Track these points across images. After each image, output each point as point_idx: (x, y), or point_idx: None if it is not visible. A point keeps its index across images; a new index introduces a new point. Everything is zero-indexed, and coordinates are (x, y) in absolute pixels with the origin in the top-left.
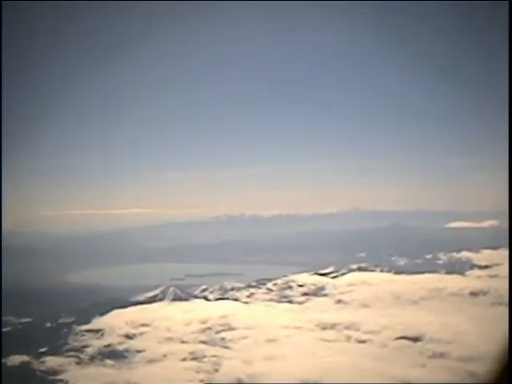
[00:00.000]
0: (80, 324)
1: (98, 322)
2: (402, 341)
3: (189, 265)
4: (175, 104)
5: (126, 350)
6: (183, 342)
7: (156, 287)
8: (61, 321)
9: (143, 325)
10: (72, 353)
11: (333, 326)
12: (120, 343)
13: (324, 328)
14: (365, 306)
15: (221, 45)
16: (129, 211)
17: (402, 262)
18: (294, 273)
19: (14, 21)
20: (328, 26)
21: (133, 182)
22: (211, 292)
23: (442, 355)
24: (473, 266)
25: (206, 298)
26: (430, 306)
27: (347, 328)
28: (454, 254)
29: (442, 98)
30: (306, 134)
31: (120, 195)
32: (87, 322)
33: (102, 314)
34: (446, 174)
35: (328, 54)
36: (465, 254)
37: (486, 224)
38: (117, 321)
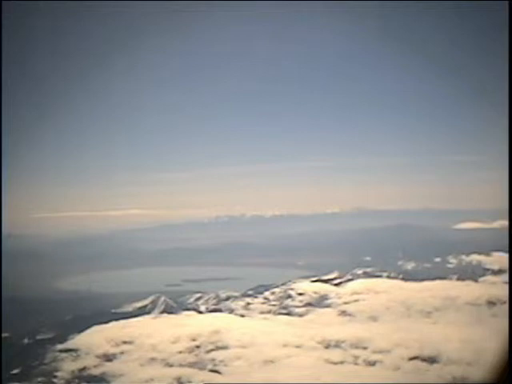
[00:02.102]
0: (58, 341)
1: (76, 340)
2: (417, 362)
3: (187, 268)
4: (175, 104)
5: (104, 373)
6: (168, 364)
7: (147, 296)
8: (39, 337)
9: (125, 342)
10: (41, 378)
11: (338, 344)
12: (97, 366)
13: (328, 346)
14: (372, 318)
15: (221, 45)
16: (126, 212)
17: (409, 265)
18: (296, 277)
19: (14, 21)
20: (328, 26)
21: (131, 182)
22: (206, 300)
23: (464, 381)
24: (485, 271)
25: (197, 310)
26: (444, 317)
27: (354, 346)
28: (464, 257)
29: (442, 96)
30: (307, 132)
31: (117, 196)
32: (66, 338)
33: (85, 328)
34: (450, 172)
35: (329, 54)
36: (475, 257)
37: (497, 224)
38: (97, 338)
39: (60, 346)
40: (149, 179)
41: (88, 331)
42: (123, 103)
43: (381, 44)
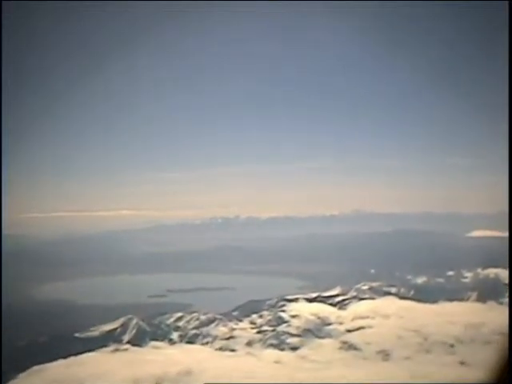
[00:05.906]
0: None
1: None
2: None
3: (175, 275)
4: (173, 105)
5: None
6: None
7: (123, 313)
8: None
9: None
10: None
11: None
12: None
13: None
14: (383, 353)
15: (221, 45)
16: (116, 213)
17: (419, 280)
18: (292, 289)
19: (14, 21)
20: (328, 27)
21: (122, 181)
22: (187, 322)
23: None
24: (505, 287)
25: (169, 339)
26: (473, 354)
27: None
28: (480, 271)
29: (442, 98)
30: (305, 134)
31: (110, 196)
32: (5, 379)
33: (35, 361)
34: (451, 175)
35: (329, 56)
36: (492, 271)
37: None
38: (35, 382)
39: None
40: (140, 179)
41: (27, 372)
42: (122, 103)
43: (380, 46)
